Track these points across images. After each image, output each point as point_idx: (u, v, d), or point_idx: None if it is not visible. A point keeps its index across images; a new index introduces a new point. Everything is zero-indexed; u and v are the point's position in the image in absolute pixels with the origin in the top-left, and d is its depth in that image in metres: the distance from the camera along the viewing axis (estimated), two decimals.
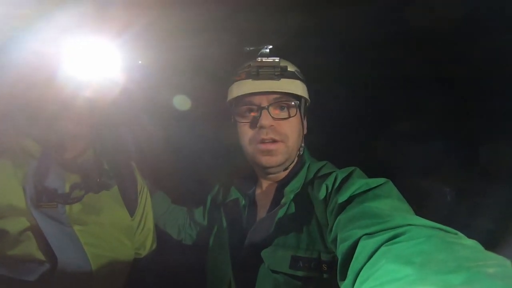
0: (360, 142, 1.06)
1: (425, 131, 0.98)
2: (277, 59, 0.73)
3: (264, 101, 0.73)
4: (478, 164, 0.94)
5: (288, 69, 0.75)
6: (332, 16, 0.81)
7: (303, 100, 0.78)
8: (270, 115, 0.72)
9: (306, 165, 0.78)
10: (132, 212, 0.85)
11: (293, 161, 0.79)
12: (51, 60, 0.65)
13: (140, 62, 0.82)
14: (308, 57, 0.85)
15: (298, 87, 0.76)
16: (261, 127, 0.72)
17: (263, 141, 0.73)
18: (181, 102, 0.98)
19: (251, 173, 0.86)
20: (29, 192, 0.66)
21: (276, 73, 0.72)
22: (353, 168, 0.67)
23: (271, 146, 0.73)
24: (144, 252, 0.90)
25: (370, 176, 0.63)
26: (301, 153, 0.81)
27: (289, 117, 0.74)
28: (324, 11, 0.79)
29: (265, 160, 0.74)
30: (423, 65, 0.91)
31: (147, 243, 0.91)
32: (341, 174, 0.66)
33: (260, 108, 0.72)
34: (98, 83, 0.70)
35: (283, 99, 0.74)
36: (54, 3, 0.61)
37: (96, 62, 0.69)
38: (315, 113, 0.84)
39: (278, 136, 0.73)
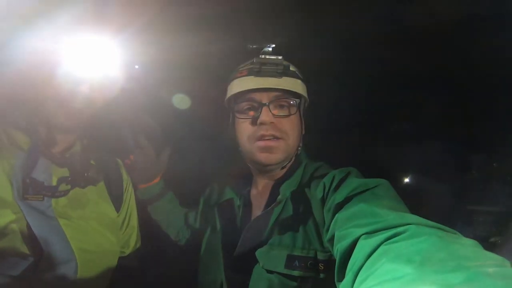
0: (357, 142, 1.06)
1: (423, 131, 0.98)
2: (280, 57, 0.73)
3: (264, 98, 0.73)
4: (477, 165, 0.94)
5: (290, 68, 0.76)
6: (332, 16, 0.81)
7: (302, 100, 0.79)
8: (271, 112, 0.71)
9: (303, 165, 0.78)
10: (118, 208, 0.84)
11: (290, 160, 0.79)
12: (50, 57, 0.64)
13: (137, 66, 0.81)
14: (307, 56, 0.85)
15: (298, 86, 0.76)
16: (262, 123, 0.71)
17: (262, 138, 0.72)
18: (180, 101, 0.98)
19: (247, 172, 0.85)
20: (16, 184, 0.65)
21: (278, 71, 0.72)
22: (350, 168, 0.67)
23: (272, 143, 0.72)
24: (128, 251, 0.89)
25: (366, 177, 0.63)
26: (299, 152, 0.80)
27: (290, 114, 0.74)
28: (324, 11, 0.79)
29: (264, 157, 0.73)
30: (423, 65, 0.91)
31: (131, 241, 0.90)
32: (339, 174, 0.66)
33: (261, 105, 0.72)
34: (97, 81, 0.69)
35: (284, 97, 0.74)
36: (53, 1, 0.60)
37: (95, 60, 0.68)
38: (313, 113, 0.84)
39: (279, 133, 0.72)
